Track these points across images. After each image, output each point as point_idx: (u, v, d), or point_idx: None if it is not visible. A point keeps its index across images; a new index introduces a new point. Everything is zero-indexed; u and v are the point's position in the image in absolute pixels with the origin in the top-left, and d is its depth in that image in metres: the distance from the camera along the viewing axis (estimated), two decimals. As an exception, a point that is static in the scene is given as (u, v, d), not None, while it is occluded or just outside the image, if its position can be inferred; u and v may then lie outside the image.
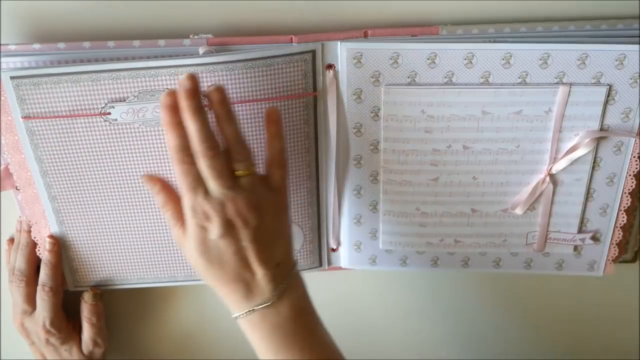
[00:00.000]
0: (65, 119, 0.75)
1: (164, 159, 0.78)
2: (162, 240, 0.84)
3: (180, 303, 0.96)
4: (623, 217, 0.84)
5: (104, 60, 0.73)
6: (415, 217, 0.84)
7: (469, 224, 0.85)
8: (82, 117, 0.75)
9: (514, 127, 0.78)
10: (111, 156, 0.78)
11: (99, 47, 0.73)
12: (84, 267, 0.86)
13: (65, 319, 0.87)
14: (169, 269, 0.86)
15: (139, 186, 0.80)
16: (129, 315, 0.97)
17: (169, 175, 0.78)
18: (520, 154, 0.80)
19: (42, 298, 0.84)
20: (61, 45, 0.73)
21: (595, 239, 0.85)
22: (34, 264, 0.85)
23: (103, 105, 0.74)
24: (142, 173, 0.79)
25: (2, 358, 0.97)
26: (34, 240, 0.84)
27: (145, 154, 0.78)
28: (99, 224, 0.83)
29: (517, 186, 0.82)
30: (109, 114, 0.75)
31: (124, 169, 0.79)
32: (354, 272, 0.92)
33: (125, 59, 0.73)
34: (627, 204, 0.83)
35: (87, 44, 0.73)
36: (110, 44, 0.73)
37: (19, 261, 0.85)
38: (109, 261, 0.86)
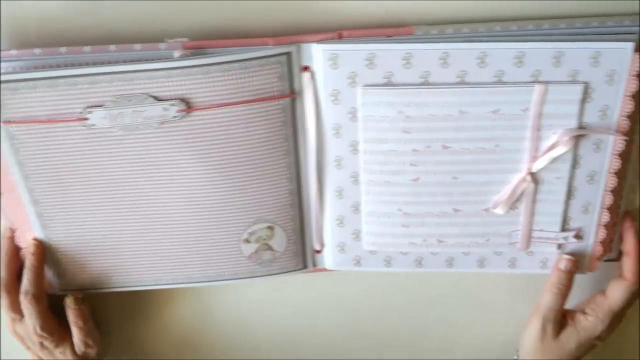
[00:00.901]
0: (45, 124, 0.75)
1: (143, 163, 0.79)
2: (145, 242, 0.85)
3: (181, 303, 0.96)
4: (605, 215, 0.84)
5: (81, 65, 0.74)
6: (397, 217, 0.84)
7: (452, 224, 0.85)
8: (61, 122, 0.75)
9: (492, 126, 0.78)
10: (92, 161, 0.78)
11: (75, 52, 0.74)
12: (70, 270, 0.86)
13: (56, 322, 0.88)
14: (152, 271, 0.87)
15: (120, 190, 0.81)
16: (128, 316, 0.97)
17: (147, 180, 0.79)
18: (499, 153, 0.80)
19: (26, 306, 0.84)
20: (37, 51, 0.74)
21: (578, 237, 0.85)
22: (15, 272, 0.86)
23: (81, 110, 0.75)
24: (122, 177, 0.80)
25: (2, 358, 0.98)
26: (14, 247, 0.84)
27: (125, 158, 0.78)
28: (82, 227, 0.83)
29: (499, 185, 0.82)
30: (87, 119, 0.75)
31: (104, 173, 0.79)
32: (343, 273, 0.92)
33: (102, 63, 0.74)
34: (609, 201, 0.83)
35: (63, 49, 0.74)
36: (87, 48, 0.74)
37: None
38: (94, 264, 0.86)
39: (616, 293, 0.85)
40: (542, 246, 0.86)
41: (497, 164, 0.80)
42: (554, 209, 0.83)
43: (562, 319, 0.87)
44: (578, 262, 0.86)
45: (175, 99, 0.75)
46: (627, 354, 1.03)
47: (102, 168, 0.79)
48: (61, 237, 0.84)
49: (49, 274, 0.87)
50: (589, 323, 0.86)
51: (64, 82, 0.73)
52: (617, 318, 0.87)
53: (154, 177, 0.80)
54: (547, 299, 0.86)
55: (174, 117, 0.76)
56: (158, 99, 0.74)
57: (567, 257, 0.85)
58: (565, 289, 0.86)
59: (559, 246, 0.86)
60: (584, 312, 0.87)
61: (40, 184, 0.80)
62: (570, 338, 0.87)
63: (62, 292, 0.88)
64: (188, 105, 0.75)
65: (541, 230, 0.85)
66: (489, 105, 0.77)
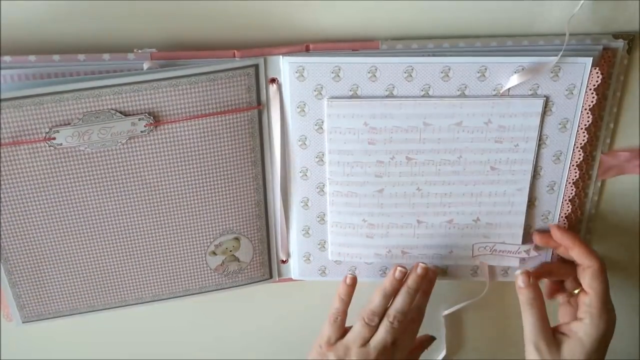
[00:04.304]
0: (8, 147, 0.74)
1: (109, 181, 0.78)
2: (111, 263, 0.84)
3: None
4: (565, 224, 0.86)
5: (49, 75, 0.73)
6: (362, 228, 0.85)
7: (415, 235, 0.86)
8: (26, 144, 0.74)
9: (455, 138, 0.79)
10: (57, 183, 0.77)
11: (44, 61, 0.73)
12: (33, 300, 0.85)
13: None
14: (118, 292, 0.86)
15: (85, 211, 0.80)
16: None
17: (113, 198, 0.79)
18: (462, 164, 0.81)
19: None
20: (7, 58, 0.73)
21: (538, 248, 0.87)
22: None
23: (47, 130, 0.74)
24: (87, 197, 0.79)
25: (2, 358, 0.97)
26: None
27: (91, 177, 0.78)
28: (45, 253, 0.82)
29: (461, 197, 0.83)
30: (54, 138, 0.74)
31: (69, 195, 0.78)
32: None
33: (70, 74, 0.74)
34: (567, 210, 0.85)
35: (32, 58, 0.73)
36: (56, 57, 0.73)
37: None
38: (58, 292, 0.85)
39: (594, 283, 0.80)
40: (505, 260, 0.88)
41: (460, 176, 0.82)
42: (515, 221, 0.85)
43: (553, 336, 0.82)
44: (534, 272, 0.84)
45: (143, 113, 0.75)
46: (627, 353, 1.05)
47: (67, 190, 0.78)
48: (23, 267, 0.82)
49: (10, 306, 0.85)
50: (588, 326, 0.80)
51: (30, 101, 0.71)
52: (608, 304, 0.82)
53: (120, 195, 0.80)
54: (525, 320, 0.82)
55: (142, 131, 0.76)
56: (125, 114, 0.74)
57: (519, 272, 0.83)
58: (536, 301, 0.82)
59: (521, 260, 0.87)
60: (577, 319, 0.82)
61: (3, 211, 0.78)
62: (576, 350, 0.80)
63: (26, 324, 0.86)
64: (156, 119, 0.75)
65: (503, 243, 0.86)
66: (452, 117, 0.78)
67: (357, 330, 0.84)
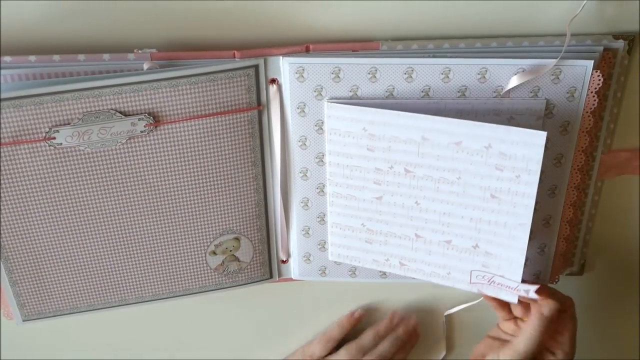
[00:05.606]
0: (8, 146, 0.74)
1: (109, 181, 0.78)
2: (111, 262, 0.84)
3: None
4: (566, 229, 0.85)
5: (49, 75, 0.73)
6: (361, 232, 0.85)
7: (414, 249, 0.84)
8: (25, 144, 0.74)
9: (454, 157, 0.76)
10: (57, 183, 0.77)
11: (44, 61, 0.73)
12: (33, 299, 0.85)
13: None
14: (118, 291, 0.86)
15: (85, 211, 0.80)
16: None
17: (113, 197, 0.79)
18: (461, 186, 0.78)
19: None
20: (7, 58, 0.73)
21: (539, 293, 0.80)
22: None
23: (47, 129, 0.74)
24: (87, 197, 0.79)
25: (2, 358, 0.97)
26: None
27: (91, 177, 0.78)
28: (46, 252, 0.82)
29: (460, 219, 0.80)
30: (54, 138, 0.74)
31: (69, 195, 0.78)
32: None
33: (70, 74, 0.74)
34: (569, 215, 0.84)
35: (32, 58, 0.73)
36: (56, 57, 0.74)
37: None
38: (59, 290, 0.85)
39: (569, 324, 0.84)
40: (502, 293, 0.83)
41: (459, 197, 0.78)
42: (516, 257, 0.79)
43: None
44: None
45: (142, 113, 0.75)
46: (627, 354, 1.05)
47: (67, 189, 0.78)
48: (24, 266, 0.82)
49: (11, 305, 0.85)
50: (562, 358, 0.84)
51: (30, 101, 0.72)
52: None
53: (120, 194, 0.80)
54: (524, 343, 0.81)
55: (142, 131, 0.76)
56: (125, 114, 0.74)
57: (551, 302, 0.80)
58: (544, 333, 0.81)
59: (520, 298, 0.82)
60: (551, 352, 0.85)
61: (3, 211, 0.78)
62: None
63: (26, 322, 0.87)
64: (156, 119, 0.75)
65: (502, 277, 0.81)
66: (451, 135, 0.75)
67: (340, 358, 0.94)
